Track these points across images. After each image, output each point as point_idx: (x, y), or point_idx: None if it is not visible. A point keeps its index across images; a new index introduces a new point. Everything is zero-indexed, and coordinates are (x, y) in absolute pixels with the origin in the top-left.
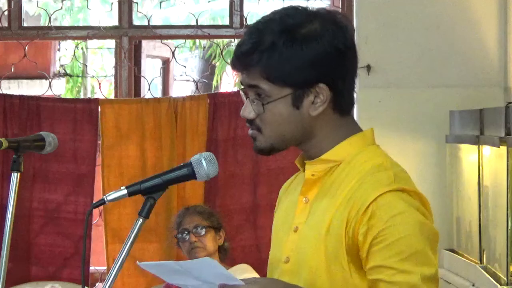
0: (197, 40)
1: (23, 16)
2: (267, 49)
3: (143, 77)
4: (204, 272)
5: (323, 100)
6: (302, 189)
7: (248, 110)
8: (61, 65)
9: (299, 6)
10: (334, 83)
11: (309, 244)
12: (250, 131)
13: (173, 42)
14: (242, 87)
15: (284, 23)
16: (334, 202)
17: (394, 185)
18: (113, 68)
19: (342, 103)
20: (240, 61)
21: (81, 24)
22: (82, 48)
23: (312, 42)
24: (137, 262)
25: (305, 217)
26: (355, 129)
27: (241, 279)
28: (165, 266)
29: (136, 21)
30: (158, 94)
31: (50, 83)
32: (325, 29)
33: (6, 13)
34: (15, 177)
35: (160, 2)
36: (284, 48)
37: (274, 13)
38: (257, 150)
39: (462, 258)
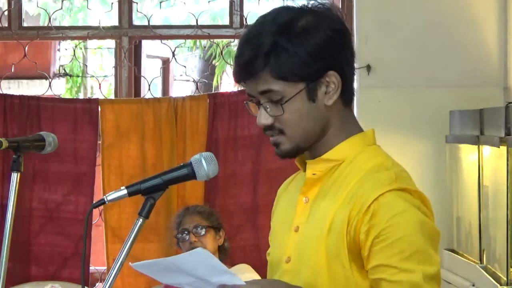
0: (197, 40)
1: (23, 16)
2: (271, 50)
3: (143, 77)
4: (197, 267)
5: (335, 88)
6: (302, 189)
7: (264, 117)
8: (61, 65)
9: (286, 5)
10: (341, 68)
11: (310, 244)
12: (271, 139)
13: (173, 42)
14: (250, 98)
15: (278, 21)
16: (335, 202)
17: (395, 185)
18: (113, 68)
19: (347, 91)
20: (245, 71)
21: (81, 24)
22: (81, 48)
23: (312, 32)
24: (130, 263)
25: (306, 217)
26: (357, 127)
27: (245, 281)
28: (158, 264)
29: (136, 21)
30: (158, 94)
31: (50, 83)
32: (320, 17)
33: (6, 13)
34: (15, 177)
35: (160, 2)
36: (287, 45)
37: (263, 17)
38: (282, 154)
39: (462, 258)
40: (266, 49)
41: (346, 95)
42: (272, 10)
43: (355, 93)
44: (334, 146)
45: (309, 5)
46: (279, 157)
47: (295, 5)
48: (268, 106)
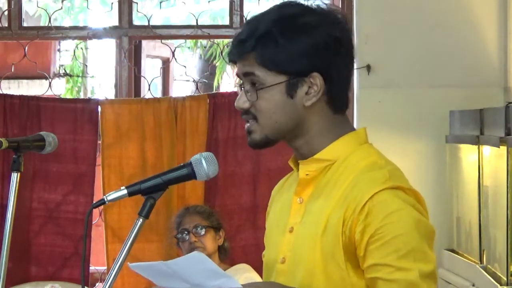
0: (198, 40)
1: (23, 16)
2: (262, 36)
3: (143, 77)
4: (193, 271)
5: (316, 91)
6: (296, 189)
7: (243, 100)
8: (61, 65)
9: (297, 1)
10: (328, 74)
11: (305, 244)
12: (246, 126)
13: (173, 42)
14: (239, 81)
15: (281, 13)
16: (330, 202)
17: (389, 183)
18: (113, 68)
19: (336, 99)
20: (236, 49)
21: (81, 25)
22: (82, 48)
23: (309, 32)
24: (128, 263)
25: (300, 217)
26: (348, 128)
27: (242, 284)
28: (155, 267)
29: (136, 21)
30: (158, 94)
31: (50, 83)
32: (322, 20)
33: (6, 13)
34: (15, 177)
35: (160, 2)
36: (279, 36)
37: (273, 6)
38: (252, 143)
39: (462, 258)
40: (258, 34)
41: (336, 102)
42: (282, 2)
43: (355, 93)
44: (321, 146)
45: (320, 6)
46: (250, 147)
47: (305, 3)
48: (248, 90)
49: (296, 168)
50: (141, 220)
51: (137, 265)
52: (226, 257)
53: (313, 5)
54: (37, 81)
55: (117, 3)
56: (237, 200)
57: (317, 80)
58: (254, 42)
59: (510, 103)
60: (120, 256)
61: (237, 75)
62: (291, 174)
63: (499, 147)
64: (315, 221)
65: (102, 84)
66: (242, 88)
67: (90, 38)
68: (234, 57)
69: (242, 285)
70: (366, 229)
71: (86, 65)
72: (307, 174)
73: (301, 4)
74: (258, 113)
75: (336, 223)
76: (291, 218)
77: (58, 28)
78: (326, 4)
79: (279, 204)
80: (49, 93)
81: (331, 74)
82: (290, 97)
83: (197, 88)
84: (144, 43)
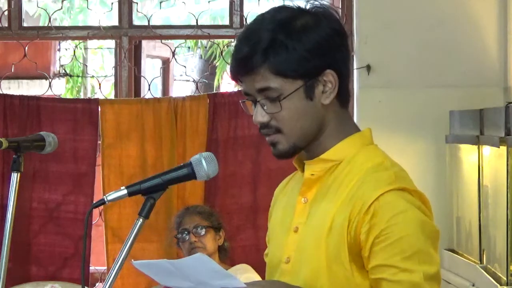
0: (198, 40)
1: (23, 16)
2: (270, 46)
3: (143, 77)
4: (197, 271)
5: (332, 88)
6: (301, 189)
7: (261, 114)
8: (61, 65)
9: (285, 4)
10: (338, 68)
11: (310, 244)
12: (268, 138)
13: (173, 42)
14: (246, 97)
15: (277, 19)
16: (335, 202)
17: (395, 184)
18: (113, 68)
19: (344, 92)
20: (242, 66)
21: (81, 25)
22: (81, 48)
23: (311, 30)
24: (132, 260)
25: (305, 218)
26: (353, 126)
27: (245, 283)
28: (159, 265)
29: (136, 21)
30: (158, 94)
31: (50, 83)
32: (319, 17)
33: (6, 13)
34: (15, 177)
35: (160, 2)
36: (286, 41)
37: (262, 14)
38: (279, 154)
39: (462, 258)
40: (264, 45)
41: (343, 96)
42: (271, 9)
43: (355, 93)
44: (331, 146)
45: (308, 6)
46: (276, 158)
47: (294, 5)
48: (264, 103)
49: (300, 168)
50: (141, 220)
51: (140, 262)
52: (226, 257)
53: (298, 5)
54: (37, 81)
55: (117, 3)
56: (237, 200)
57: (330, 77)
58: (263, 55)
59: (510, 103)
60: (120, 256)
61: (245, 92)
62: (294, 174)
63: (499, 147)
64: (320, 221)
65: (102, 84)
66: (257, 103)
67: (90, 38)
68: (241, 75)
69: (246, 283)
70: (371, 230)
71: (86, 65)
72: (312, 174)
73: (291, 7)
74: (281, 123)
75: (341, 223)
76: (296, 218)
77: (58, 28)
78: (314, 2)
79: (283, 204)
80: (49, 93)
81: (341, 68)
82: (310, 99)
83: (197, 88)
84: (144, 43)
